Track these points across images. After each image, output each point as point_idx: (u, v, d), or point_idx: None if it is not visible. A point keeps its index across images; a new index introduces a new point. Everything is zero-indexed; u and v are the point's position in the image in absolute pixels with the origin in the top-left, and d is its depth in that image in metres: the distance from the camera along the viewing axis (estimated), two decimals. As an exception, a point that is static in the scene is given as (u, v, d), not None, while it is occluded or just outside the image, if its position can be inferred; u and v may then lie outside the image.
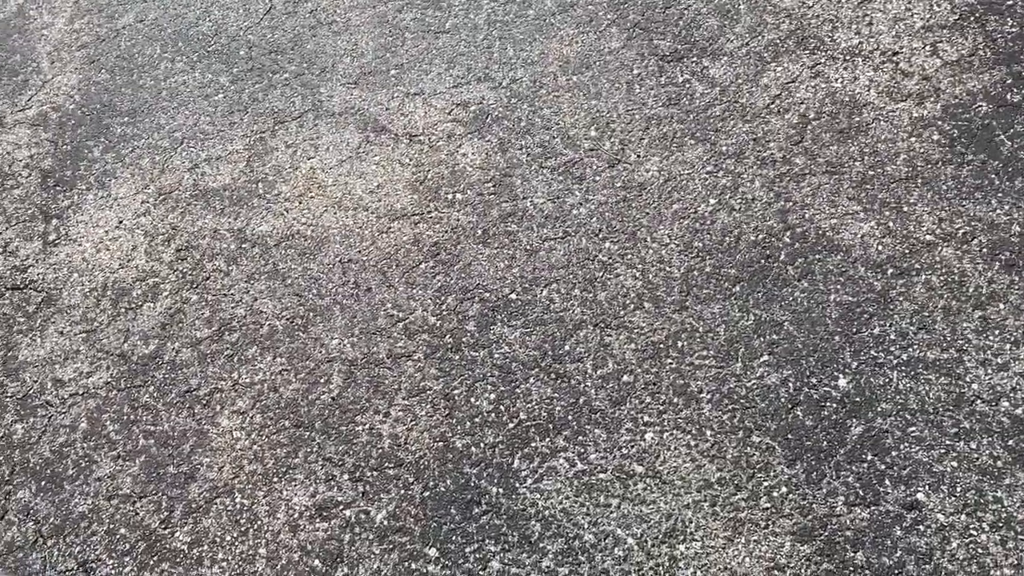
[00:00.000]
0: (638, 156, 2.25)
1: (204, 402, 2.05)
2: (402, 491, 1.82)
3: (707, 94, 2.30)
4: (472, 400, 1.93)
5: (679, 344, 1.92)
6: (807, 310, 1.89)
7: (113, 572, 1.83)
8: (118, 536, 1.87)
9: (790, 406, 1.78)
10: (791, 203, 2.06)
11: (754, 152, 2.17)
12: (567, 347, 1.97)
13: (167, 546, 1.84)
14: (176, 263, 2.33)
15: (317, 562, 1.74)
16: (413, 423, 1.92)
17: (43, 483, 1.99)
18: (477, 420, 1.90)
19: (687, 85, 2.34)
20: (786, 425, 1.75)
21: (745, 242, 2.03)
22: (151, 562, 1.82)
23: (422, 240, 2.24)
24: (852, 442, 1.71)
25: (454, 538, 1.73)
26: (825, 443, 1.72)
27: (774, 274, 1.96)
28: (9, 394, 2.16)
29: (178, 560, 1.81)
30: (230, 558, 1.79)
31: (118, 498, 1.93)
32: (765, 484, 1.69)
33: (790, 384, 1.81)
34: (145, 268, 2.34)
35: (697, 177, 2.18)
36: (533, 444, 1.84)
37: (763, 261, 1.99)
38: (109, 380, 2.13)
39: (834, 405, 1.76)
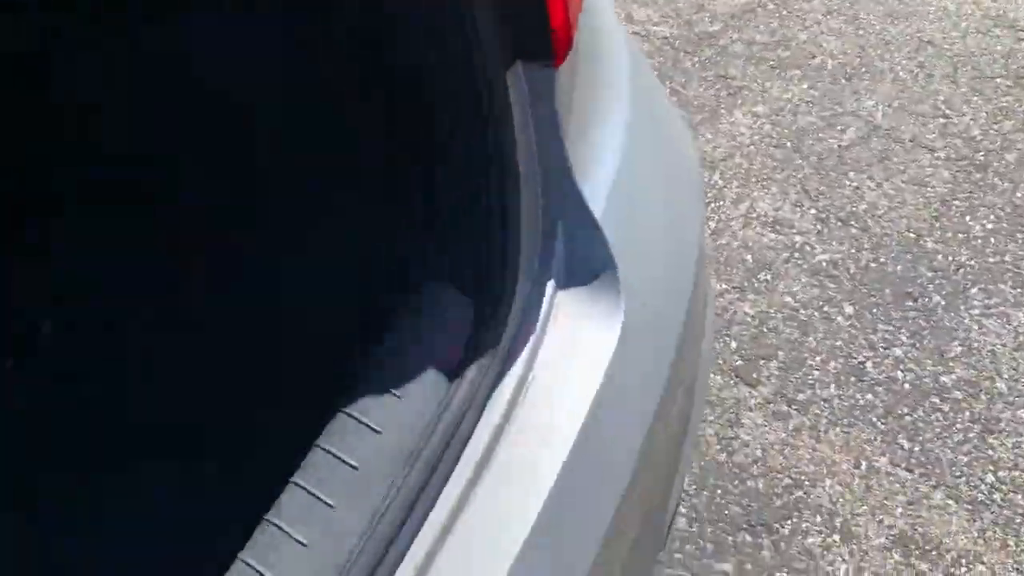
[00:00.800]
0: None
1: (732, 91, 2.20)
2: (852, 250, 1.86)
3: None
4: (967, 219, 1.85)
5: None
6: None
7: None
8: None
9: None
10: None
11: None
12: (1103, 226, 1.76)
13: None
14: (773, -30, 2.42)
15: (749, 258, 1.90)
16: (899, 205, 1.91)
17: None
18: (960, 236, 1.83)
19: None
20: None
21: None
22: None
23: (1014, 58, 2.06)
24: None
25: (874, 311, 1.77)
26: None
27: None
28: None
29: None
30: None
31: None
32: None
33: None
34: (745, -38, 2.46)
35: None
36: (1001, 286, 1.75)
37: None
38: (668, 36, 2.37)
39: None
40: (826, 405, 1.66)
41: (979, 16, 2.16)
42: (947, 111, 2.03)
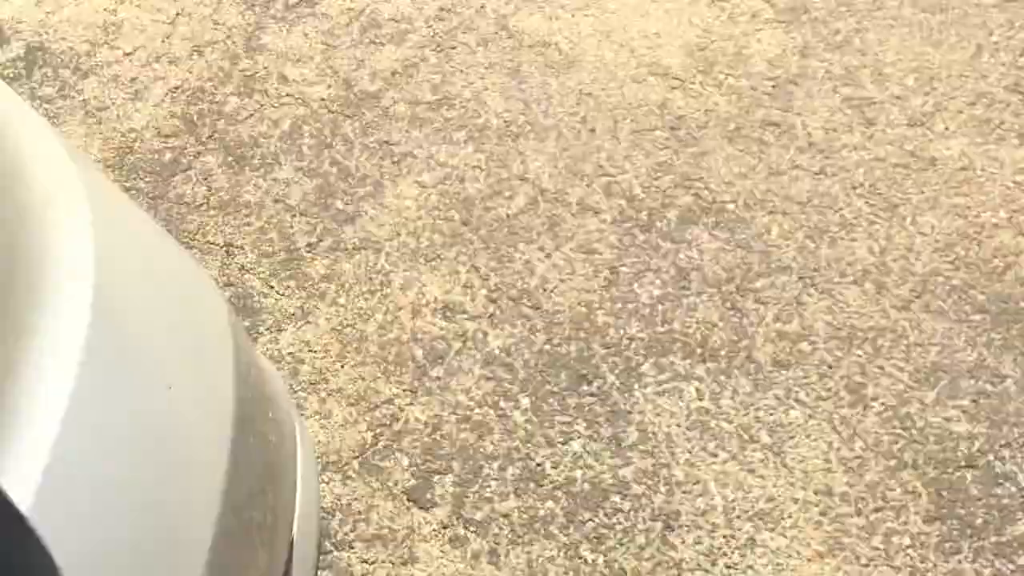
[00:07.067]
0: (946, 128, 1.92)
1: (396, 160, 2.02)
2: (526, 332, 1.73)
3: (1064, 97, 1.91)
4: (635, 287, 1.79)
5: (879, 342, 1.67)
6: (1043, 379, 1.59)
7: (249, 265, 1.88)
8: (267, 237, 1.92)
9: (962, 464, 1.52)
10: (1093, 259, 1.70)
11: (1083, 185, 1.80)
12: (758, 284, 1.76)
13: (301, 268, 1.87)
14: (433, 21, 2.26)
15: (420, 353, 1.72)
16: (569, 276, 1.81)
17: (230, 160, 2.05)
18: (630, 307, 1.76)
19: (1046, 77, 1.94)
20: (947, 481, 1.51)
21: (1016, 276, 1.71)
22: (282, 271, 1.86)
23: (669, 107, 2.05)
24: (1010, 535, 1.45)
25: (550, 401, 1.64)
26: (980, 520, 1.47)
27: (1028, 324, 1.65)
28: (240, 68, 2.22)
29: (305, 284, 1.84)
30: (348, 306, 1.79)
31: (283, 205, 1.97)
32: (889, 524, 1.48)
33: (976, 442, 1.54)
34: (404, 13, 2.29)
35: (1000, 180, 1.83)
36: (671, 358, 1.69)
37: None
38: (325, 98, 2.14)
39: (1013, 490, 1.49)
40: (506, 522, 1.50)
41: (634, 65, 2.13)
42: (610, 169, 1.97)
